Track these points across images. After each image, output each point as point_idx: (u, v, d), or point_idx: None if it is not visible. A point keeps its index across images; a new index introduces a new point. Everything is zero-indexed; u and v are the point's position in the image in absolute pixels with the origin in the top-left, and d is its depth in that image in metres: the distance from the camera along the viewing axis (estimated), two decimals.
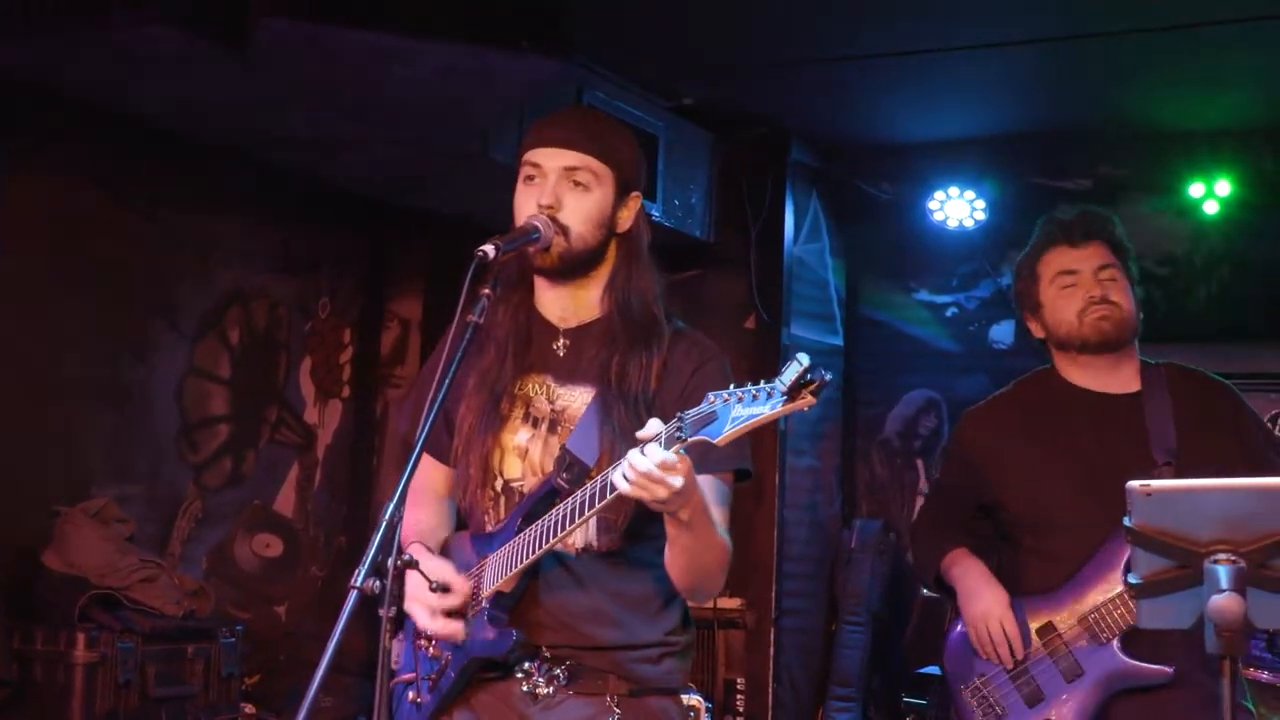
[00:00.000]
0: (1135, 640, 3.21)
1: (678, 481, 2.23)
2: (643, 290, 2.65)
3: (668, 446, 2.21)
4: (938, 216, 6.37)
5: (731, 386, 2.18)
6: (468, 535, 2.70)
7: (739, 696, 6.04)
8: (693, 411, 2.20)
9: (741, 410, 2.14)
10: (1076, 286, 3.39)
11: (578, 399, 2.61)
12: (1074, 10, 4.78)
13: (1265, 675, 4.83)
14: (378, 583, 2.20)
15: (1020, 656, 3.31)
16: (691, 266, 6.14)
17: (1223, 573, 2.30)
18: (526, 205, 2.60)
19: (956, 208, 6.33)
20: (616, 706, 2.53)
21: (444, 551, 2.71)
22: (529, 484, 2.60)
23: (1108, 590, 3.24)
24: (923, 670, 5.78)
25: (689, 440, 2.20)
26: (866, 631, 6.33)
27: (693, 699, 4.73)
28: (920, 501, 6.50)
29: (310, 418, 6.32)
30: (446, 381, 2.37)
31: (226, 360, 5.86)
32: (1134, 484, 2.40)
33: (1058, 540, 3.34)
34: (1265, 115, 5.67)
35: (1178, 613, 2.44)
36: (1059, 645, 3.29)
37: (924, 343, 6.78)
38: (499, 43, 4.38)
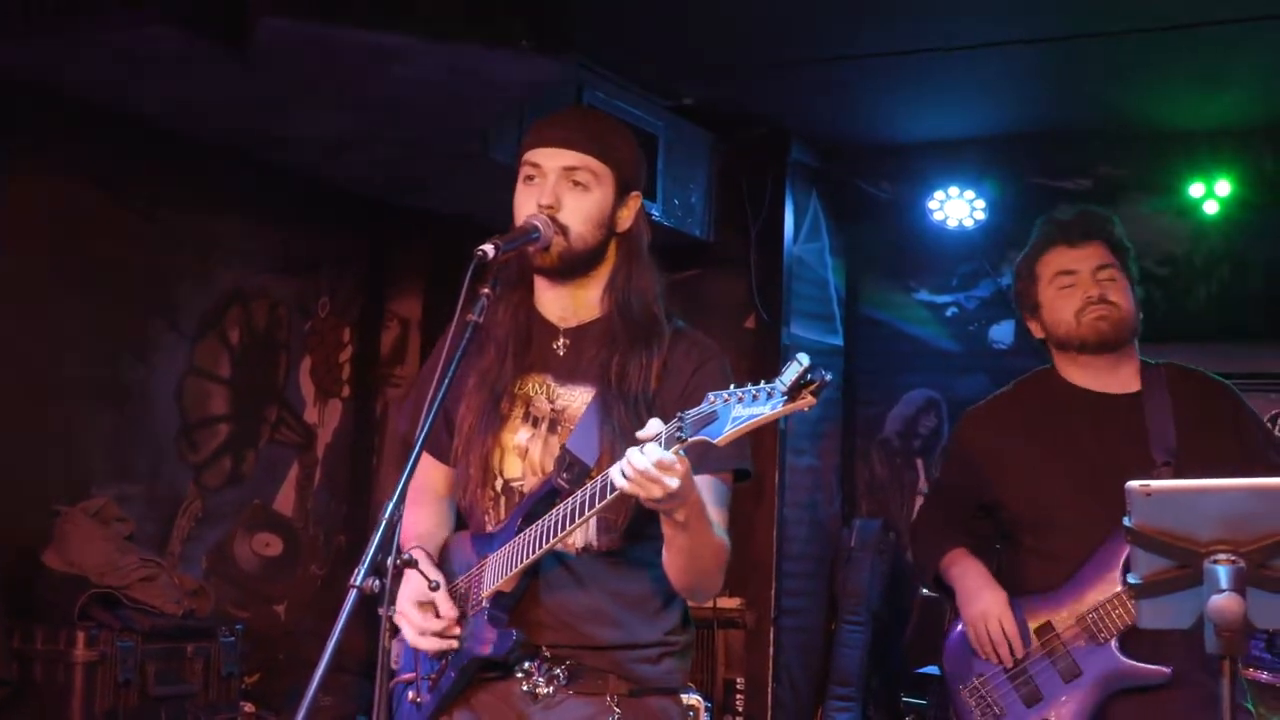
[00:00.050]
0: (1134, 640, 3.21)
1: (674, 483, 2.23)
2: (643, 290, 2.65)
3: (668, 446, 2.21)
4: (938, 216, 6.37)
5: (732, 386, 2.18)
6: (468, 535, 2.70)
7: (738, 696, 6.04)
8: (693, 411, 2.20)
9: (742, 410, 2.14)
10: (1075, 287, 3.40)
11: (578, 399, 2.61)
12: (1074, 10, 4.78)
13: (1265, 675, 4.83)
14: (377, 582, 2.20)
15: (1020, 656, 3.31)
16: (691, 266, 6.14)
17: (1222, 573, 2.30)
18: (526, 205, 2.60)
19: (956, 207, 6.33)
20: (616, 706, 2.53)
21: (444, 551, 2.72)
22: (529, 484, 2.60)
23: (1106, 590, 3.24)
24: (922, 670, 5.78)
25: (689, 440, 2.20)
26: (866, 631, 6.33)
27: (692, 699, 4.73)
28: (920, 501, 6.50)
29: (310, 417, 6.32)
30: (446, 381, 2.37)
31: (226, 360, 5.87)
32: (1134, 484, 2.40)
33: (1057, 540, 3.34)
34: (1265, 115, 5.67)
35: (1177, 613, 2.44)
36: (1057, 645, 3.29)
37: (924, 342, 6.78)
38: (499, 43, 4.38)
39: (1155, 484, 2.40)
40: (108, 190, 5.27)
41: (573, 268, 2.62)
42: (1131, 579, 2.52)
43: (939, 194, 6.33)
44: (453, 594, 2.59)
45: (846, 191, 6.56)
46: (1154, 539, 2.40)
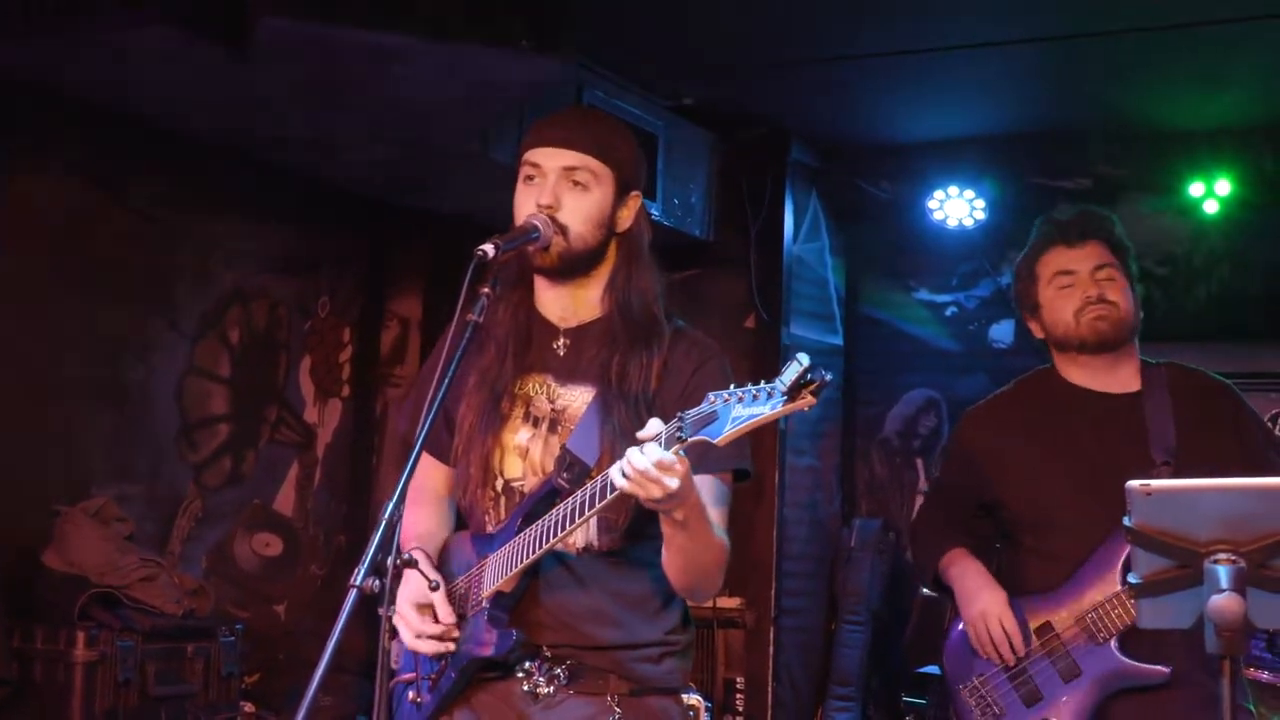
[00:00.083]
0: (1133, 640, 3.21)
1: (673, 483, 2.23)
2: (643, 290, 2.65)
3: (668, 446, 2.21)
4: (937, 216, 6.37)
5: (732, 386, 2.18)
6: (468, 535, 2.70)
7: (738, 696, 6.04)
8: (693, 411, 2.20)
9: (742, 410, 2.14)
10: (1074, 287, 3.40)
11: (578, 398, 2.61)
12: (1073, 9, 4.78)
13: (1265, 675, 4.83)
14: (377, 582, 2.20)
15: (1021, 654, 3.31)
16: (691, 266, 6.14)
17: (1223, 572, 2.30)
18: (526, 205, 2.61)
19: (956, 207, 6.33)
20: (617, 706, 2.53)
21: (444, 551, 2.72)
22: (529, 484, 2.60)
23: (1106, 590, 3.24)
24: (922, 669, 5.78)
25: (689, 440, 2.20)
26: (866, 630, 6.33)
27: (692, 698, 4.72)
28: (920, 501, 6.50)
29: (310, 417, 6.32)
30: (446, 380, 2.37)
31: (226, 360, 5.87)
32: (1134, 483, 2.40)
33: (1057, 539, 3.35)
34: (1265, 114, 5.67)
35: (1177, 612, 2.44)
36: (1057, 645, 3.29)
37: (924, 342, 6.78)
38: (499, 43, 4.38)
39: (1155, 483, 2.40)
40: (108, 190, 5.27)
41: (572, 267, 2.62)
42: (1132, 579, 2.52)
43: (939, 193, 6.32)
44: (452, 594, 2.59)
45: (846, 191, 6.56)
46: (1154, 539, 2.40)
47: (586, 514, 2.36)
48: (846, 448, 6.82)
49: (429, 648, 2.55)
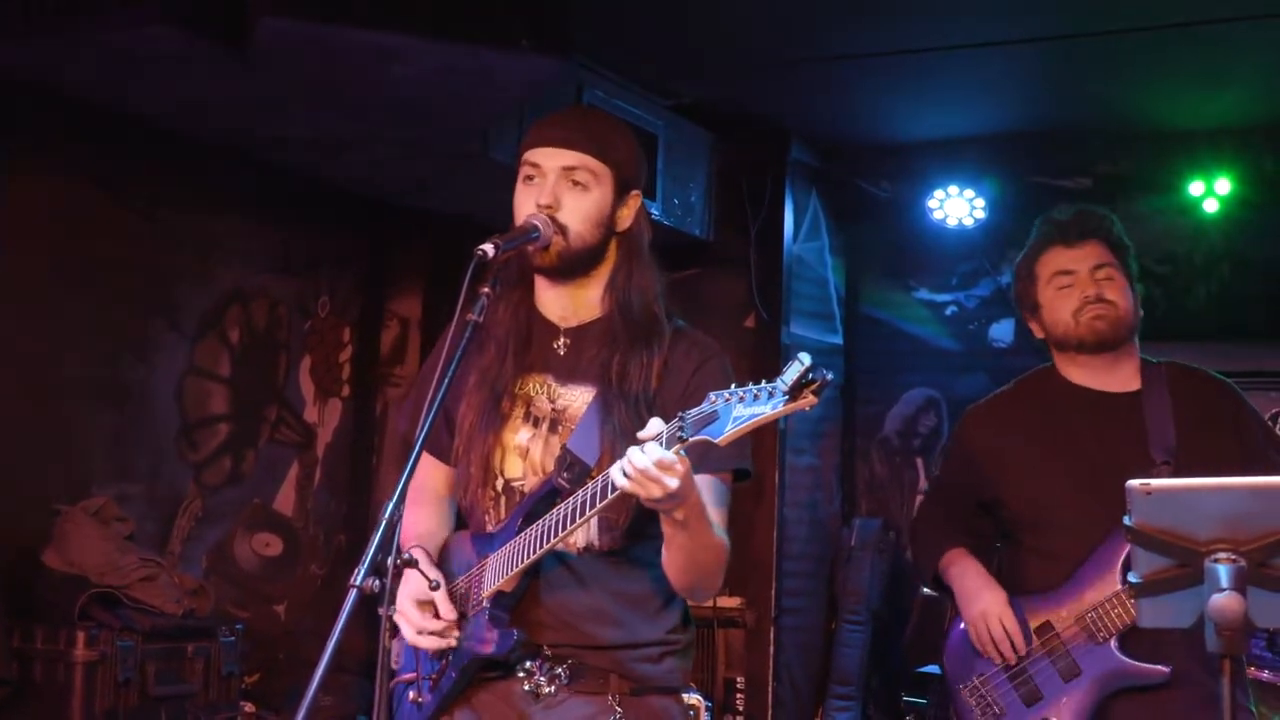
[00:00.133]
0: (1133, 640, 3.21)
1: (673, 483, 2.23)
2: (643, 289, 2.65)
3: (669, 446, 2.21)
4: (937, 215, 6.37)
5: (733, 386, 2.18)
6: (468, 535, 2.70)
7: (739, 695, 6.04)
8: (694, 411, 2.20)
9: (743, 410, 2.14)
10: (1073, 286, 3.40)
11: (578, 398, 2.61)
12: (1073, 9, 4.78)
13: (1266, 674, 4.83)
14: (377, 581, 2.20)
15: (1022, 653, 3.31)
16: (691, 265, 6.14)
17: (1223, 571, 2.30)
18: (526, 205, 2.60)
19: (956, 206, 6.33)
20: (618, 705, 2.53)
21: (444, 550, 2.72)
22: (530, 483, 2.60)
23: (1106, 589, 3.24)
24: (922, 669, 5.78)
25: (690, 440, 2.20)
26: (866, 630, 6.33)
27: (693, 698, 4.73)
28: (920, 500, 6.50)
29: (310, 416, 6.32)
30: (446, 380, 2.37)
31: (226, 359, 5.87)
32: (1134, 483, 2.40)
33: (1057, 539, 3.35)
34: (1265, 113, 5.67)
35: (1178, 612, 2.44)
36: (1057, 645, 3.29)
37: (924, 341, 6.79)
38: (499, 42, 4.38)
39: (1155, 483, 2.40)
40: (108, 190, 5.27)
41: (572, 267, 2.62)
42: (1132, 578, 2.52)
43: (939, 193, 6.33)
44: (453, 594, 2.59)
45: (846, 191, 6.56)
46: (1154, 538, 2.40)
47: (587, 514, 2.36)
48: (846, 447, 6.82)
49: (431, 644, 2.55)
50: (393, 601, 2.29)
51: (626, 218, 2.66)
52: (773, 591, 6.05)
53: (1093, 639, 3.25)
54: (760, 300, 6.21)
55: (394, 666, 2.68)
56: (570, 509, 2.39)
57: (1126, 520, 2.42)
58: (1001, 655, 3.32)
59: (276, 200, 5.97)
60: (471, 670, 2.55)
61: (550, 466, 2.56)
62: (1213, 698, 2.72)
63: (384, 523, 2.23)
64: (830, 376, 2.09)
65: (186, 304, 5.67)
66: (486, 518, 2.65)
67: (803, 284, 6.43)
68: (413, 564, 2.39)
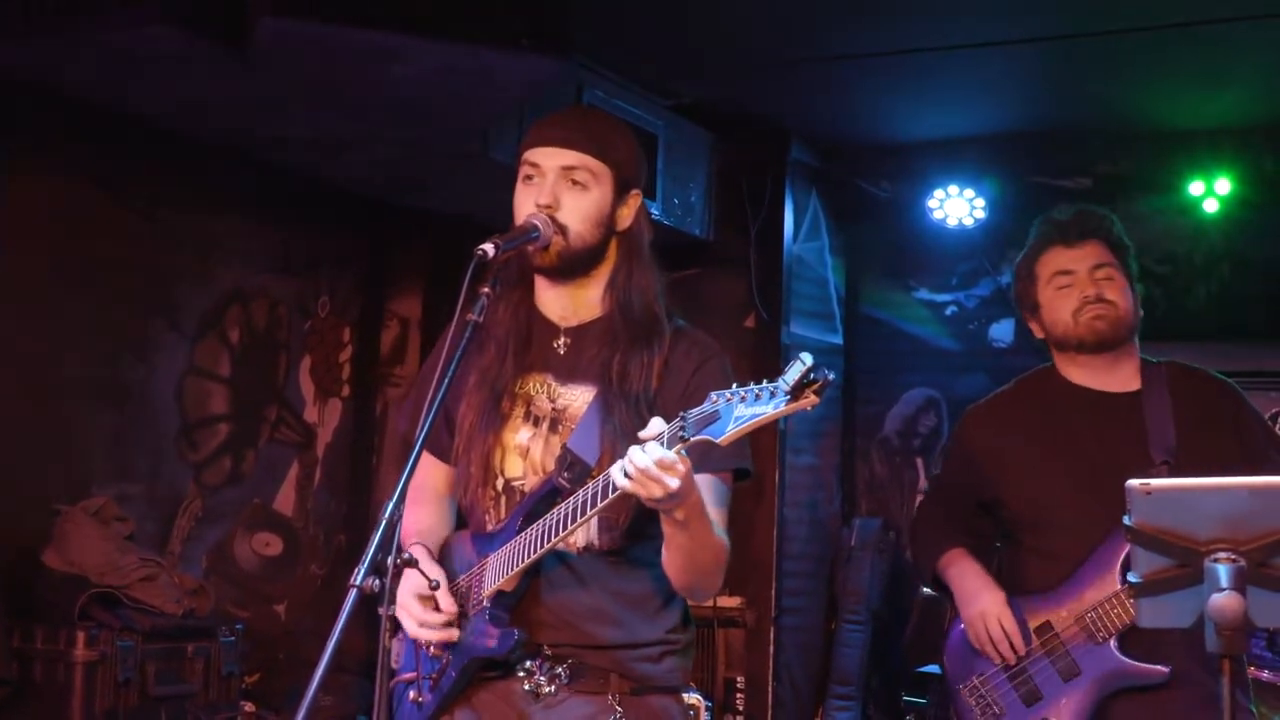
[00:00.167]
0: (1133, 640, 3.21)
1: (674, 483, 2.23)
2: (644, 289, 2.65)
3: (670, 446, 2.21)
4: (937, 215, 6.37)
5: (734, 386, 2.18)
6: (468, 534, 2.70)
7: (739, 695, 6.04)
8: (695, 411, 2.20)
9: (744, 410, 2.14)
10: (1072, 287, 3.40)
11: (579, 398, 2.61)
12: (1073, 9, 4.78)
13: (1266, 674, 4.83)
14: (377, 581, 2.20)
15: (1021, 653, 3.31)
16: (691, 265, 6.14)
17: (1223, 571, 2.30)
18: (525, 205, 2.61)
19: (956, 206, 6.33)
20: (618, 705, 2.53)
21: (444, 550, 2.72)
22: (530, 483, 2.60)
23: (1105, 589, 3.24)
24: (922, 669, 5.78)
25: (692, 440, 2.20)
26: (866, 630, 6.33)
27: (693, 697, 4.73)
28: (920, 500, 6.50)
29: (310, 416, 6.32)
30: (447, 380, 2.37)
31: (226, 359, 5.87)
32: (1134, 482, 2.40)
33: (1057, 539, 3.35)
34: (1265, 113, 5.67)
35: (1178, 611, 2.44)
36: (1056, 645, 3.29)
37: (923, 341, 6.79)
38: (499, 42, 4.38)
39: (1155, 482, 2.40)
40: (108, 190, 5.27)
41: (572, 267, 2.62)
42: (1132, 578, 2.52)
43: (939, 193, 6.33)
44: (454, 593, 2.58)
45: (846, 190, 6.56)
46: (1154, 538, 2.40)
47: (588, 514, 2.36)
48: (846, 447, 6.82)
49: (433, 636, 2.55)
50: (393, 601, 2.29)
51: (626, 217, 2.66)
52: (773, 591, 6.05)
53: (1092, 639, 3.25)
54: (760, 300, 6.21)
55: (394, 666, 2.68)
56: (571, 509, 2.39)
57: (1126, 520, 2.43)
58: (1000, 656, 3.32)
59: (276, 200, 5.97)
60: (472, 670, 2.55)
61: (550, 466, 2.56)
62: (1212, 698, 2.72)
63: (384, 522, 2.23)
64: (832, 376, 2.09)
65: (186, 304, 5.67)
66: (487, 517, 2.65)
67: (803, 284, 6.44)
68: (413, 564, 2.39)
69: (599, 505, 2.33)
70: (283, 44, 4.28)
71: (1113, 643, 3.23)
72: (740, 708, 6.03)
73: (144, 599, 4.78)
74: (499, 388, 2.65)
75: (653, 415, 2.29)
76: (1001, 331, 6.61)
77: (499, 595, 2.52)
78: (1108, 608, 3.22)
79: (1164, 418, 3.32)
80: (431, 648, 2.63)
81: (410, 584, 2.56)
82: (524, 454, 2.62)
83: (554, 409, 2.63)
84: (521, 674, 2.55)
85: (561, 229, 2.57)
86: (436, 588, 2.50)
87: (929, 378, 6.75)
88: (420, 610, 2.55)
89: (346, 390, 6.51)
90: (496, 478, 2.64)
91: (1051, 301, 3.43)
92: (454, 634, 2.54)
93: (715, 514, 2.49)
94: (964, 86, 5.61)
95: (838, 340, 6.75)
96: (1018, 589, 3.38)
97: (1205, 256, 6.20)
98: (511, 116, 4.94)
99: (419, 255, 6.67)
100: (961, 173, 6.26)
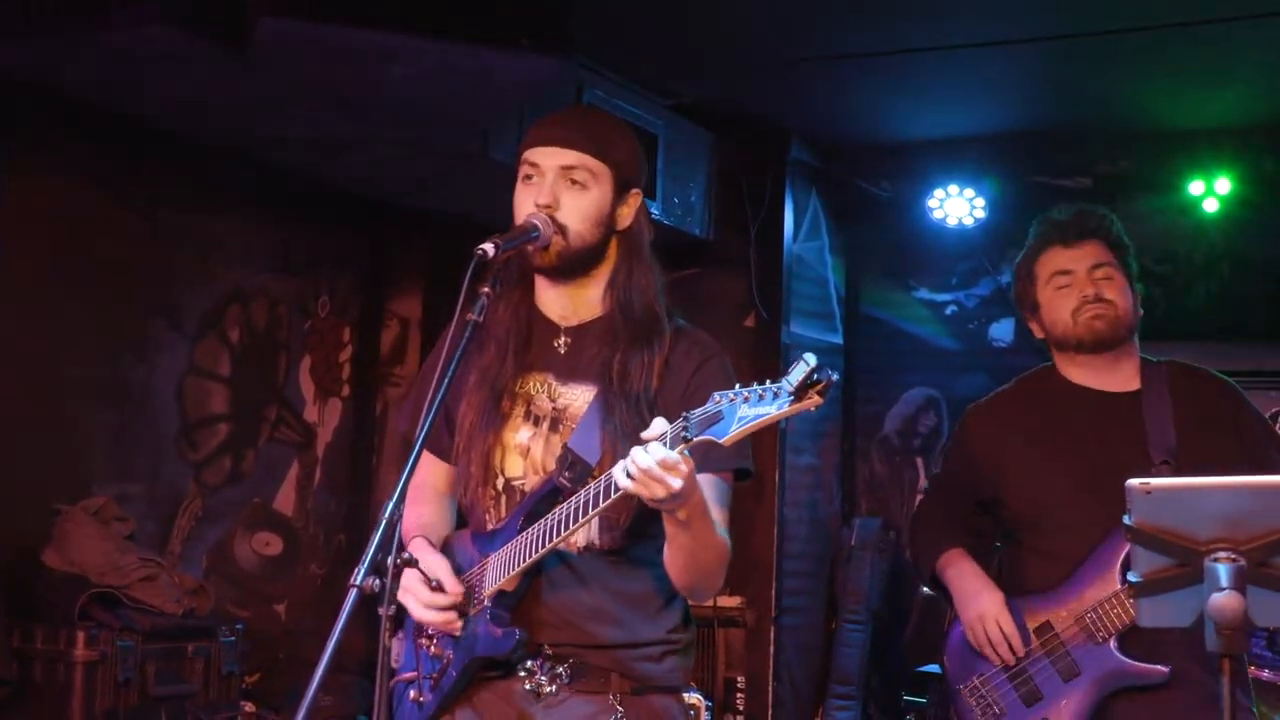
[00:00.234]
0: (1133, 639, 3.21)
1: (677, 483, 2.23)
2: (644, 288, 2.65)
3: (673, 446, 2.21)
4: (937, 215, 6.37)
5: (737, 386, 2.18)
6: (469, 533, 2.70)
7: (739, 695, 6.04)
8: (698, 411, 2.20)
9: (748, 410, 2.14)
10: (1071, 286, 3.40)
11: (579, 397, 2.61)
12: (1074, 8, 4.78)
13: (1266, 674, 4.83)
14: (377, 581, 2.20)
15: (1020, 654, 3.31)
16: (691, 265, 6.13)
17: (1223, 571, 2.30)
18: (525, 204, 2.61)
19: (956, 206, 6.33)
20: (619, 705, 2.53)
21: (445, 549, 2.71)
22: (530, 482, 2.60)
23: (1105, 589, 3.24)
24: (922, 669, 5.78)
25: (695, 440, 2.20)
26: (866, 630, 6.33)
27: (693, 697, 4.73)
28: (920, 499, 6.50)
29: (310, 416, 6.32)
30: (447, 379, 2.37)
31: (226, 359, 5.87)
32: (1134, 482, 2.40)
33: (1057, 538, 3.35)
34: (1265, 113, 5.67)
35: (1177, 611, 2.44)
36: (1056, 645, 3.29)
37: (923, 341, 6.79)
38: (499, 42, 4.38)
39: (1155, 482, 2.40)
40: (108, 190, 5.27)
41: (572, 266, 2.62)
42: (1131, 577, 2.52)
43: (939, 192, 6.33)
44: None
45: (846, 190, 6.56)
46: (1154, 537, 2.40)
47: (589, 513, 2.36)
48: (846, 446, 6.82)
49: (437, 618, 2.54)
50: (393, 601, 2.29)
51: (626, 217, 2.66)
52: (773, 591, 6.05)
53: (1092, 639, 3.25)
54: (760, 300, 6.21)
55: (394, 666, 2.68)
56: (572, 509, 2.39)
57: (1126, 519, 2.42)
58: (999, 658, 3.32)
59: (276, 200, 5.97)
60: (473, 669, 2.55)
61: (551, 465, 2.56)
62: (1212, 697, 2.72)
63: (384, 522, 2.23)
64: (835, 377, 2.09)
65: (186, 304, 5.67)
66: (487, 516, 2.65)
67: (803, 283, 6.44)
68: (413, 564, 2.39)
69: (601, 505, 2.33)
70: (282, 44, 4.28)
71: (1113, 642, 3.23)
72: (740, 707, 6.03)
73: (144, 599, 4.78)
74: (499, 387, 2.65)
75: (653, 415, 2.30)
76: (1001, 331, 6.61)
77: (500, 595, 2.52)
78: (1108, 607, 3.22)
79: (1164, 417, 3.32)
80: (432, 647, 2.63)
81: (414, 573, 2.55)
82: (524, 453, 2.62)
83: (554, 408, 2.63)
84: (522, 674, 2.55)
85: (561, 229, 2.57)
86: (437, 587, 2.50)
87: (929, 377, 6.75)
88: (426, 592, 2.53)
89: (346, 390, 6.51)
90: (497, 477, 2.64)
91: (1051, 301, 3.43)
92: (456, 621, 2.53)
93: (717, 513, 2.49)
94: (964, 86, 5.61)
95: (838, 340, 6.75)
96: (1017, 588, 3.38)
97: (1205, 256, 6.20)
98: (511, 116, 4.94)
99: (419, 255, 6.67)
100: (961, 172, 6.26)
